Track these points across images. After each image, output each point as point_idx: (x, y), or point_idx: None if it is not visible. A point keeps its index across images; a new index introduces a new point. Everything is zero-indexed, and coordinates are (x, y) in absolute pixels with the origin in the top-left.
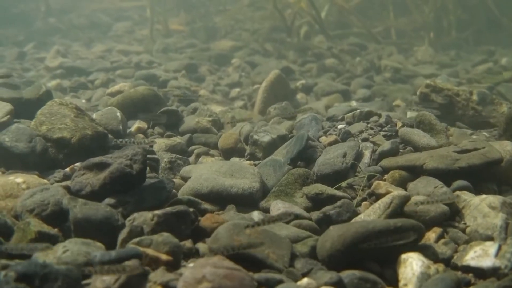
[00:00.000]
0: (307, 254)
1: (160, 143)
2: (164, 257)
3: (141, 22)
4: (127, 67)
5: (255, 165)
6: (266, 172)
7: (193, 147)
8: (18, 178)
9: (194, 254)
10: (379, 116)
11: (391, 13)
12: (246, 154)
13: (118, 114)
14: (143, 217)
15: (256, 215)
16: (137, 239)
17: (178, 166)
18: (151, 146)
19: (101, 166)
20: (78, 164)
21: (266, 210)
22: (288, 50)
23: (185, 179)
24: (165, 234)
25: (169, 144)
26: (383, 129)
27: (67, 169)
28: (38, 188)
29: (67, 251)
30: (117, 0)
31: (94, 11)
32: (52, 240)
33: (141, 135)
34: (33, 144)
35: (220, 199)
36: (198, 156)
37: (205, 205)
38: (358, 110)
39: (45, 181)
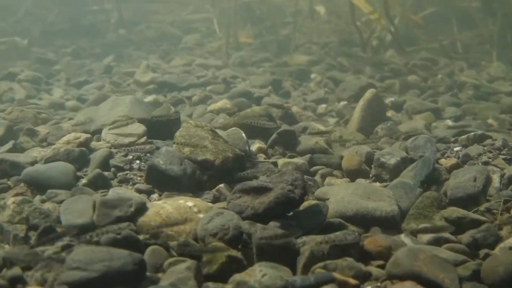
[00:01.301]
0: (469, 278)
1: (285, 164)
2: (352, 281)
3: (209, 35)
4: (216, 83)
5: (384, 187)
6: (397, 194)
7: (315, 167)
8: (189, 202)
9: (367, 277)
10: (493, 138)
11: (455, 26)
12: (371, 175)
13: (243, 134)
14: (315, 241)
15: (403, 237)
16: (322, 263)
17: (309, 187)
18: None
19: (260, 190)
20: (222, 185)
21: (412, 233)
22: (363, 65)
23: (321, 200)
24: (349, 259)
25: (295, 165)
26: (501, 152)
27: (214, 190)
28: (213, 212)
29: (265, 275)
30: (184, 12)
31: (162, 23)
32: (239, 264)
33: (263, 155)
34: (183, 166)
35: (364, 221)
36: (323, 177)
37: (352, 228)
38: (472, 133)
39: (210, 204)
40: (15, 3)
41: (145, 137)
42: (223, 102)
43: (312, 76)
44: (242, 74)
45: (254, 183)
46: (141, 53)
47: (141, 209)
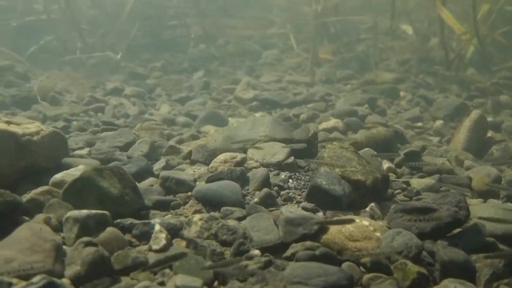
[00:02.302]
0: None
1: (418, 183)
2: None
3: (286, 50)
4: (314, 100)
5: None
6: None
7: (444, 187)
8: (364, 221)
9: None
10: None
11: None
12: (501, 196)
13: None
14: (491, 260)
15: None
16: (505, 280)
17: None
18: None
19: (424, 211)
20: (373, 204)
21: None
22: (449, 84)
23: None
24: None
25: (427, 185)
26: None
27: (367, 209)
28: (393, 232)
29: None
30: (260, 27)
31: (240, 38)
32: (427, 280)
33: (393, 175)
34: (342, 186)
35: (510, 241)
36: None
37: (502, 247)
38: None
39: (381, 223)
40: (101, 18)
41: (292, 157)
42: (334, 121)
43: (401, 94)
44: (332, 91)
45: (417, 203)
46: (227, 68)
47: (323, 227)
